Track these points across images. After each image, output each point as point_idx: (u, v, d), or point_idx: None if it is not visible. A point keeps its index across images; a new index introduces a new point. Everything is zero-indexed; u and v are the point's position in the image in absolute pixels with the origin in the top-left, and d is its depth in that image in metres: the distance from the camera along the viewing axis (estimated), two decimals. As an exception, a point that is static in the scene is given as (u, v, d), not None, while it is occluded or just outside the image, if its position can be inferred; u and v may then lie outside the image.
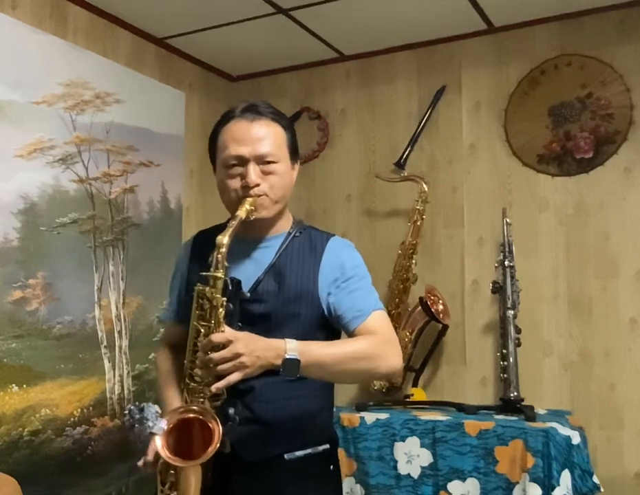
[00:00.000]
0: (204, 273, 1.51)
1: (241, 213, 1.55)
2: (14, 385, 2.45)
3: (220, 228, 1.75)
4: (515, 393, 2.75)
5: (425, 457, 2.62)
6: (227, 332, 1.47)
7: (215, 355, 1.42)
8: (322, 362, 1.52)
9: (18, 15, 2.57)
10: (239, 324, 1.54)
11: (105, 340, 2.84)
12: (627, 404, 2.84)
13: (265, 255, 1.66)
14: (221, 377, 1.43)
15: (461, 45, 3.26)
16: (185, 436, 1.47)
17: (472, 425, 2.58)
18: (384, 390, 3.02)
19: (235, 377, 1.43)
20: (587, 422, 2.85)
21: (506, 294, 2.84)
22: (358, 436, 2.71)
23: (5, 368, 2.42)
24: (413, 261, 3.07)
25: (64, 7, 2.78)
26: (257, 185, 1.60)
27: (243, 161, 1.61)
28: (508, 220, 2.93)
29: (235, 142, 1.62)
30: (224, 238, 1.51)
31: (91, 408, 2.74)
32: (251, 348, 1.44)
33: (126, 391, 2.91)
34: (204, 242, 1.75)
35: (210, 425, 1.44)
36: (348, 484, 2.71)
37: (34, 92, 2.58)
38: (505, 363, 2.78)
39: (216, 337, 1.44)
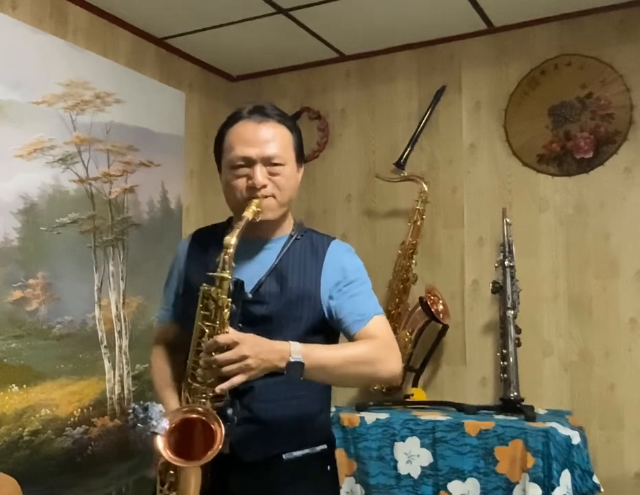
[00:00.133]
0: (211, 274, 1.51)
1: (248, 214, 1.56)
2: (14, 385, 2.45)
3: (219, 227, 1.76)
4: (515, 393, 2.75)
5: (425, 457, 2.62)
6: (232, 333, 1.47)
7: (220, 357, 1.42)
8: (324, 365, 1.53)
9: (18, 15, 2.57)
10: (240, 324, 1.54)
11: (105, 340, 2.84)
12: (627, 404, 2.84)
13: (267, 257, 1.66)
14: (224, 378, 1.44)
15: (461, 45, 3.26)
16: (186, 437, 1.47)
17: (472, 425, 2.58)
18: (384, 390, 3.02)
19: (239, 379, 1.43)
20: (587, 422, 2.85)
21: (506, 294, 2.84)
22: (358, 436, 2.71)
23: (5, 368, 2.42)
24: (413, 261, 3.07)
25: (64, 7, 2.78)
26: (264, 186, 1.60)
27: (250, 162, 1.61)
28: (508, 220, 2.93)
29: (242, 143, 1.62)
30: (231, 239, 1.51)
31: (91, 408, 2.74)
32: (257, 351, 1.44)
33: (126, 391, 2.91)
34: (203, 240, 1.76)
35: (212, 426, 1.44)
36: (348, 484, 2.71)
37: (34, 92, 2.58)
38: (505, 363, 2.78)
39: (222, 339, 1.44)
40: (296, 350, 1.48)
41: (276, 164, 1.63)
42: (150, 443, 1.55)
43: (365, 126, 3.45)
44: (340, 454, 2.70)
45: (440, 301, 3.04)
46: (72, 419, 2.66)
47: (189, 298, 1.69)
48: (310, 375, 1.50)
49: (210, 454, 1.41)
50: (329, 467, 1.70)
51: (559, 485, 2.37)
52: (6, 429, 2.40)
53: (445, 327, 3.04)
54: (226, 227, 1.75)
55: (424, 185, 3.10)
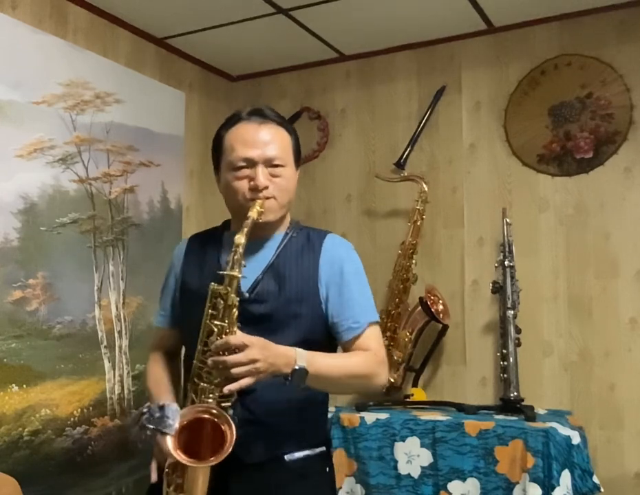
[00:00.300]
0: (221, 272, 1.51)
1: (254, 214, 1.56)
2: (14, 385, 2.45)
3: (215, 231, 1.76)
4: (515, 393, 2.75)
5: (425, 457, 2.62)
6: (241, 335, 1.47)
7: (230, 358, 1.43)
8: (323, 375, 1.55)
9: (18, 15, 2.57)
10: (239, 324, 1.54)
11: (105, 340, 2.84)
12: (627, 404, 2.84)
13: (263, 255, 1.67)
14: (231, 379, 1.44)
15: (461, 45, 3.26)
16: (194, 437, 1.46)
17: (472, 425, 2.58)
18: (384, 390, 3.01)
19: (247, 381, 1.43)
20: (587, 422, 2.85)
21: (506, 294, 2.84)
22: (358, 436, 2.71)
23: (5, 368, 2.42)
24: (413, 261, 3.07)
25: (64, 7, 2.78)
26: (266, 187, 1.61)
27: (251, 163, 1.62)
28: (508, 220, 2.93)
29: (243, 144, 1.63)
30: (241, 237, 1.51)
31: (91, 408, 2.74)
32: (266, 355, 1.45)
33: (126, 391, 2.91)
34: (199, 244, 1.77)
35: (222, 427, 1.44)
36: (348, 484, 2.71)
37: (34, 92, 2.58)
38: (505, 363, 2.78)
39: (233, 340, 1.45)
40: (301, 357, 1.50)
41: (277, 165, 1.64)
42: (152, 438, 1.55)
43: (365, 126, 3.45)
44: (340, 454, 2.71)
45: (440, 301, 3.04)
46: (72, 419, 2.66)
47: (186, 302, 1.70)
48: (310, 382, 1.52)
49: (221, 455, 1.40)
50: (327, 469, 1.71)
51: (559, 485, 2.37)
52: (6, 429, 2.40)
53: (445, 327, 3.04)
54: (222, 230, 1.76)
55: (424, 185, 3.10)
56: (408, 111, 3.35)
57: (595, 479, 2.49)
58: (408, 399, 3.01)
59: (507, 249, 2.90)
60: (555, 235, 3.02)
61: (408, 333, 3.02)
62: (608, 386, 2.88)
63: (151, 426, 1.44)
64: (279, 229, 1.71)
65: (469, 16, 3.03)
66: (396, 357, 2.99)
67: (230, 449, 1.41)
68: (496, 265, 2.93)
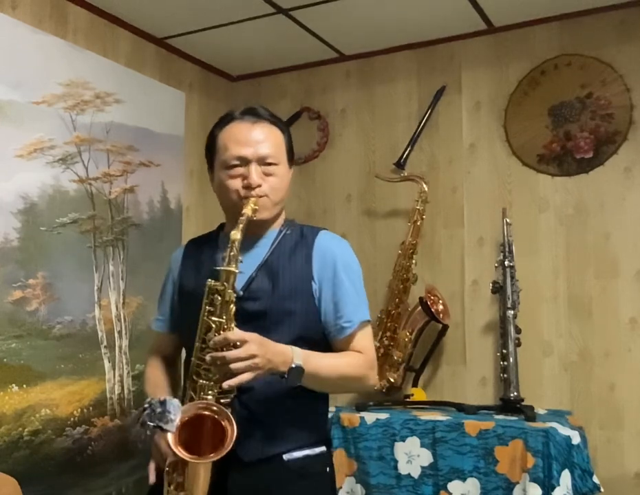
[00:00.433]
0: (217, 268, 1.52)
1: (248, 211, 1.57)
2: (14, 385, 2.45)
3: (211, 235, 1.77)
4: (515, 393, 2.75)
5: (425, 457, 2.62)
6: (239, 331, 1.48)
7: (230, 354, 1.43)
8: (318, 375, 1.57)
9: (18, 15, 2.57)
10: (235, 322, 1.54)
11: (105, 340, 2.84)
12: (627, 404, 2.84)
13: (257, 253, 1.67)
14: (230, 374, 1.44)
15: (461, 45, 3.26)
16: (194, 434, 1.46)
17: (472, 425, 2.58)
18: (384, 390, 3.01)
19: (247, 377, 1.44)
20: (587, 422, 2.85)
21: (506, 294, 2.84)
22: (359, 436, 2.71)
23: (5, 368, 2.42)
24: (413, 261, 3.07)
25: (64, 7, 2.78)
26: (259, 185, 1.62)
27: (245, 161, 1.64)
28: (508, 220, 2.93)
29: (236, 143, 1.64)
30: (237, 234, 1.53)
31: (91, 408, 2.74)
32: (264, 351, 1.46)
33: (126, 391, 2.91)
34: (196, 248, 1.78)
35: (223, 423, 1.44)
36: (349, 484, 2.71)
37: (34, 92, 2.58)
38: (505, 363, 2.78)
39: (232, 335, 1.46)
40: (298, 356, 1.51)
41: (270, 164, 1.65)
42: (150, 440, 1.55)
43: (365, 126, 3.45)
44: (340, 454, 2.71)
45: (440, 301, 3.04)
46: (72, 419, 2.66)
47: (185, 304, 1.70)
48: (305, 381, 1.54)
49: (220, 452, 1.40)
50: (327, 469, 1.70)
51: (559, 485, 2.37)
52: (6, 429, 2.40)
53: (445, 327, 3.04)
54: (218, 232, 1.77)
55: (424, 185, 3.10)
56: (408, 111, 3.35)
57: (595, 479, 2.49)
58: (408, 399, 3.01)
59: (507, 249, 2.90)
60: (555, 235, 3.02)
61: (408, 333, 3.02)
62: (608, 386, 2.88)
63: (152, 423, 1.43)
64: (273, 227, 1.72)
65: (469, 16, 3.03)
66: (396, 357, 2.99)
67: (231, 446, 1.41)
68: (496, 265, 2.93)
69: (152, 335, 1.91)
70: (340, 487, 2.68)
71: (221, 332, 1.48)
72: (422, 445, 2.62)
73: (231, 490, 1.57)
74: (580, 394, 2.92)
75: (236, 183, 1.64)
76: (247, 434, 1.55)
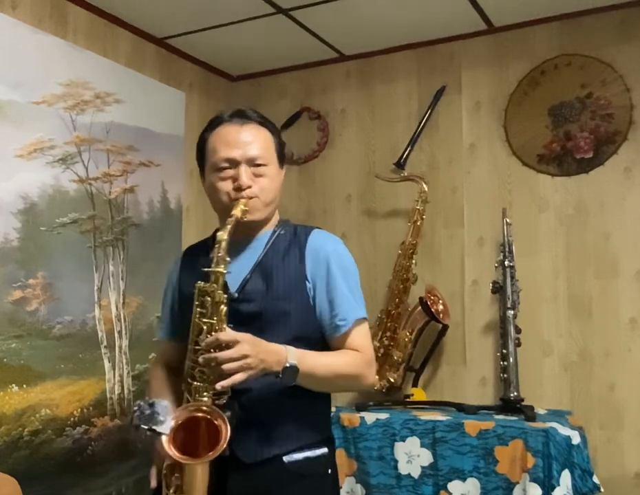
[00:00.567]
0: (206, 269, 1.52)
1: (237, 212, 1.58)
2: (14, 385, 2.45)
3: (207, 241, 1.78)
4: (515, 393, 2.75)
5: (425, 457, 2.62)
6: (231, 332, 1.48)
7: (221, 354, 1.43)
8: (314, 373, 1.56)
9: (18, 15, 2.57)
10: (230, 325, 1.54)
11: (105, 340, 2.84)
12: (627, 404, 2.84)
13: (251, 254, 1.68)
14: (224, 375, 1.44)
15: (461, 45, 3.26)
16: (190, 435, 1.46)
17: (472, 425, 2.58)
18: (384, 390, 3.01)
19: (240, 377, 1.44)
20: (587, 422, 2.85)
21: (506, 294, 2.84)
22: (359, 436, 2.71)
23: (5, 368, 2.42)
24: (413, 261, 3.07)
25: (64, 7, 2.78)
26: (249, 187, 1.63)
27: (234, 163, 1.64)
28: (508, 220, 2.93)
29: (225, 145, 1.66)
30: (224, 234, 1.53)
31: (91, 408, 2.74)
32: (257, 350, 1.46)
33: (126, 391, 2.91)
34: (193, 255, 1.79)
35: (216, 423, 1.44)
36: (349, 484, 2.71)
37: (34, 92, 2.58)
38: (505, 363, 2.78)
39: (223, 336, 1.46)
40: (292, 355, 1.51)
41: (259, 165, 1.65)
42: (151, 443, 1.55)
43: (365, 126, 3.45)
44: (340, 454, 2.70)
45: (440, 301, 3.04)
46: (72, 419, 2.66)
47: (185, 309, 1.70)
48: (301, 380, 1.53)
49: (216, 451, 1.40)
50: (329, 471, 1.69)
51: (559, 485, 2.37)
52: (6, 429, 2.40)
53: (445, 327, 3.04)
54: (213, 237, 1.77)
55: (424, 185, 3.10)
56: (408, 111, 3.35)
57: (595, 479, 2.49)
58: (408, 399, 3.01)
59: (507, 249, 2.90)
60: (555, 235, 3.02)
61: (408, 333, 3.02)
62: (607, 386, 2.88)
63: (145, 426, 1.43)
64: (267, 228, 1.72)
65: (469, 16, 3.03)
66: (396, 357, 2.99)
67: (226, 444, 1.41)
68: (496, 265, 2.93)
69: (152, 335, 1.91)
70: (341, 487, 2.68)
71: (213, 333, 1.48)
72: (422, 445, 2.62)
73: (231, 492, 1.56)
74: (580, 394, 2.92)
75: (226, 185, 1.64)
76: (246, 435, 1.55)
